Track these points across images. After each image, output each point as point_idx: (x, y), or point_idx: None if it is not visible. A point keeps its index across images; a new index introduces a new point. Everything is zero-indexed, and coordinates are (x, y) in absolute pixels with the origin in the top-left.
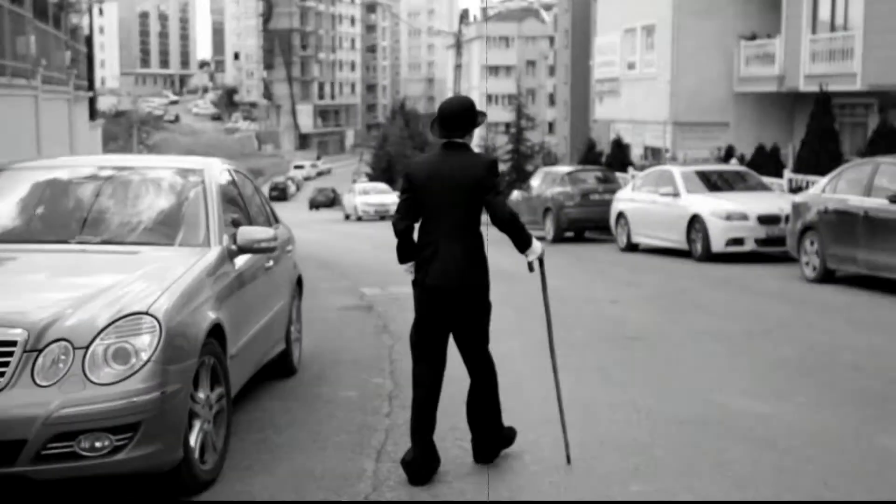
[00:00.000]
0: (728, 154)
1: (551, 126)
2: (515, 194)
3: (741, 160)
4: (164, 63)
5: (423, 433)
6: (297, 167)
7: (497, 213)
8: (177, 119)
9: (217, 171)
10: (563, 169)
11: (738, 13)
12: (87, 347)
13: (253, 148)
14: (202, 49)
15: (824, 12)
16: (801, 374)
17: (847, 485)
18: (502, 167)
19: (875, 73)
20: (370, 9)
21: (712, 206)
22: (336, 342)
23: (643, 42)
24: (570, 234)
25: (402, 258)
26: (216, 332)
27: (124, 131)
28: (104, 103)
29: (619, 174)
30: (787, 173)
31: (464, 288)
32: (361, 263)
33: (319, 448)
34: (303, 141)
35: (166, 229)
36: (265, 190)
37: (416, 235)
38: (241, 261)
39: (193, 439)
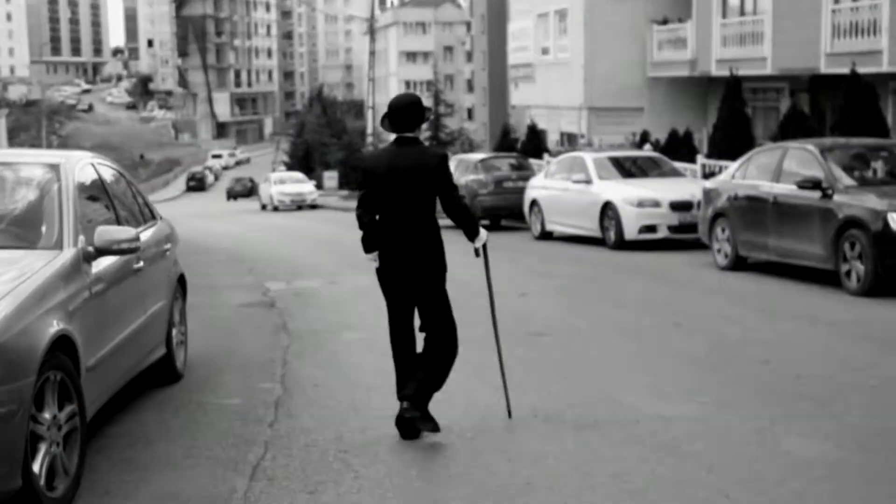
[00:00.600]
0: (643, 139)
1: (470, 112)
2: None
3: (655, 145)
4: (76, 51)
5: (411, 399)
6: (214, 156)
7: (450, 204)
8: (90, 108)
9: (77, 166)
10: (477, 156)
11: None
12: None
13: (169, 137)
14: (115, 36)
15: None
16: (709, 369)
17: (749, 497)
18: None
19: (785, 57)
20: None
21: (624, 193)
22: (230, 343)
23: (556, 27)
24: (485, 222)
25: (368, 248)
26: (63, 343)
27: (35, 121)
28: (14, 93)
29: (534, 161)
30: (701, 158)
31: (426, 272)
32: (271, 257)
33: (191, 465)
34: (220, 129)
35: (14, 229)
36: (181, 180)
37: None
38: (102, 263)
39: (38, 465)
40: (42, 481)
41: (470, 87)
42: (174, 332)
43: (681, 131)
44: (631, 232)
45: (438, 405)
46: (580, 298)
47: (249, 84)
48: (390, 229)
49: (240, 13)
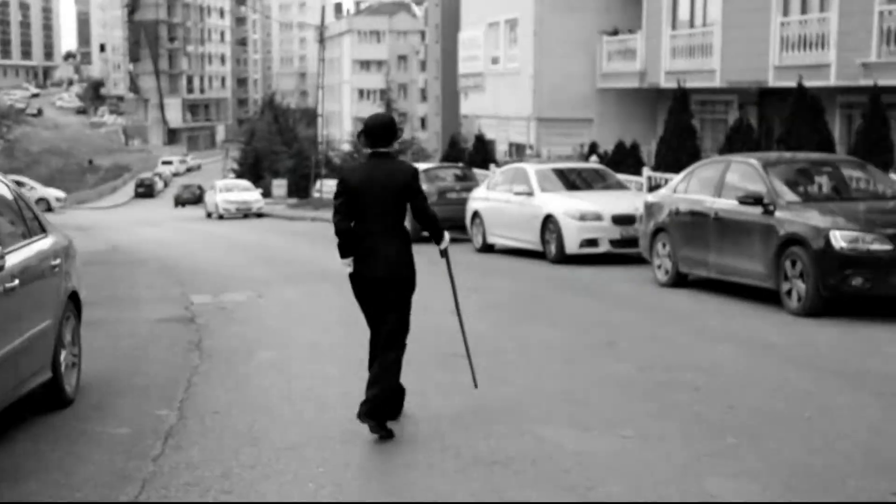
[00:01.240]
0: (591, 151)
1: (423, 122)
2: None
3: (602, 157)
4: (27, 54)
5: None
6: (164, 163)
7: (421, 212)
8: (39, 112)
9: None
10: (420, 166)
11: (600, 8)
12: None
13: (120, 143)
14: (67, 40)
15: (684, 8)
16: (637, 396)
17: None
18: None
19: (733, 70)
20: (240, 1)
21: (566, 206)
22: (136, 362)
23: (506, 36)
24: (427, 233)
25: (344, 254)
26: None
27: None
28: None
29: (481, 172)
30: (647, 171)
31: (398, 278)
32: (204, 267)
33: None
34: (172, 136)
35: None
36: (130, 186)
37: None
38: None
39: None
40: None
41: (423, 96)
42: (63, 354)
43: (630, 143)
44: (572, 246)
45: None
46: (513, 316)
47: (202, 90)
48: (365, 235)
49: (193, 19)
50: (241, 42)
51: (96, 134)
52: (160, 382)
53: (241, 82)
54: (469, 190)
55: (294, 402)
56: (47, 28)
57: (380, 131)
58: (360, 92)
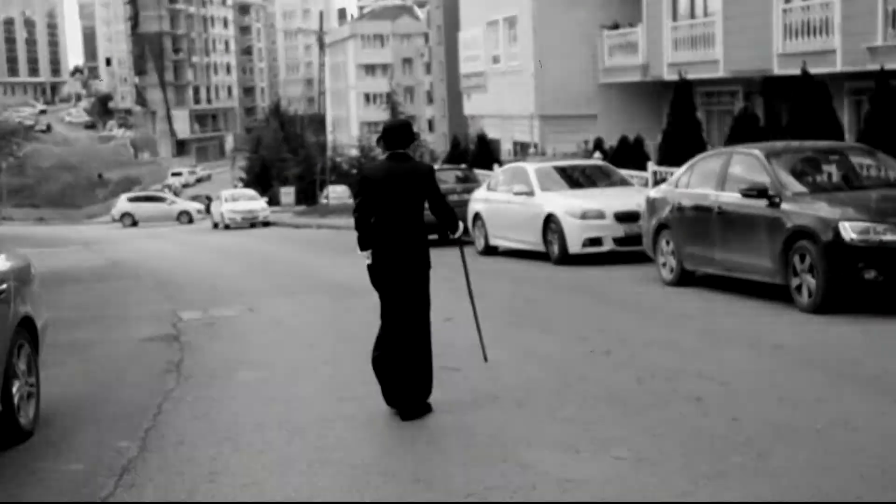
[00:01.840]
0: (596, 147)
1: (431, 124)
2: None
3: (606, 154)
4: (34, 71)
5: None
6: (174, 174)
7: (438, 206)
8: (48, 129)
9: None
10: None
11: (599, 2)
12: None
13: (129, 156)
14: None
15: None
16: (634, 410)
17: None
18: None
19: (737, 60)
20: (243, 10)
21: (567, 205)
22: (109, 387)
23: (506, 34)
24: (432, 237)
25: (364, 246)
26: None
27: None
28: None
29: (485, 172)
30: (651, 166)
31: (414, 268)
32: (200, 281)
33: None
34: (180, 147)
35: None
36: None
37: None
38: None
39: None
40: None
41: (430, 98)
42: (16, 385)
43: (633, 138)
44: (575, 245)
45: None
46: (508, 324)
47: (209, 101)
48: (385, 229)
49: (197, 30)
50: (246, 51)
51: (105, 148)
52: (129, 410)
53: (248, 91)
54: (471, 191)
55: (265, 431)
56: (53, 44)
57: (397, 134)
58: (367, 96)
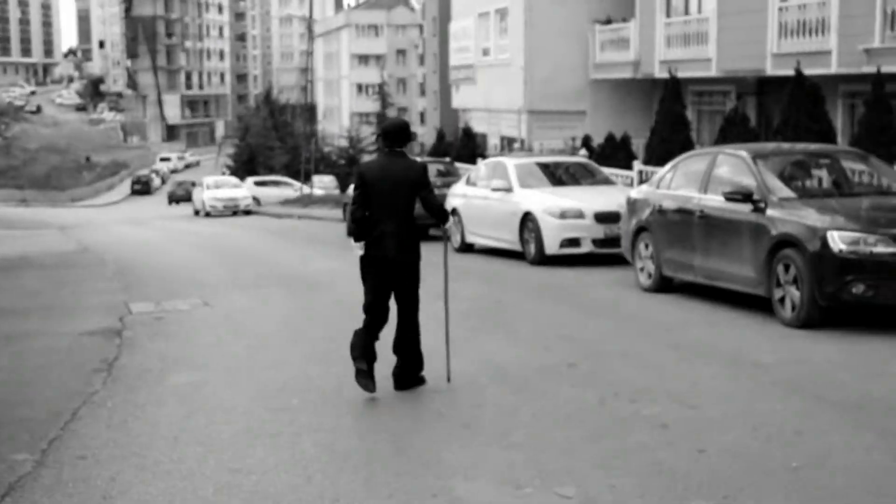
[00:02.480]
0: (584, 144)
1: (423, 116)
2: (352, 189)
3: (592, 151)
4: (27, 51)
5: (366, 357)
6: (163, 159)
7: (429, 202)
8: (38, 110)
9: None
10: None
11: None
12: None
13: (118, 139)
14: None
15: None
16: (591, 436)
17: None
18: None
19: (730, 58)
20: None
21: (546, 203)
22: (27, 389)
23: (497, 26)
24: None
25: (357, 238)
26: None
27: None
28: None
29: (467, 166)
30: (638, 165)
31: (405, 259)
32: (163, 270)
33: None
34: (170, 132)
35: None
36: (127, 183)
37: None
38: None
39: None
40: None
41: (423, 90)
42: None
43: (626, 135)
44: (552, 246)
45: None
46: (472, 330)
47: (201, 86)
48: (378, 221)
49: (191, 14)
50: (241, 38)
51: (95, 131)
52: (41, 416)
53: (241, 78)
54: (451, 185)
55: (179, 445)
56: (47, 25)
57: (395, 134)
58: (359, 87)
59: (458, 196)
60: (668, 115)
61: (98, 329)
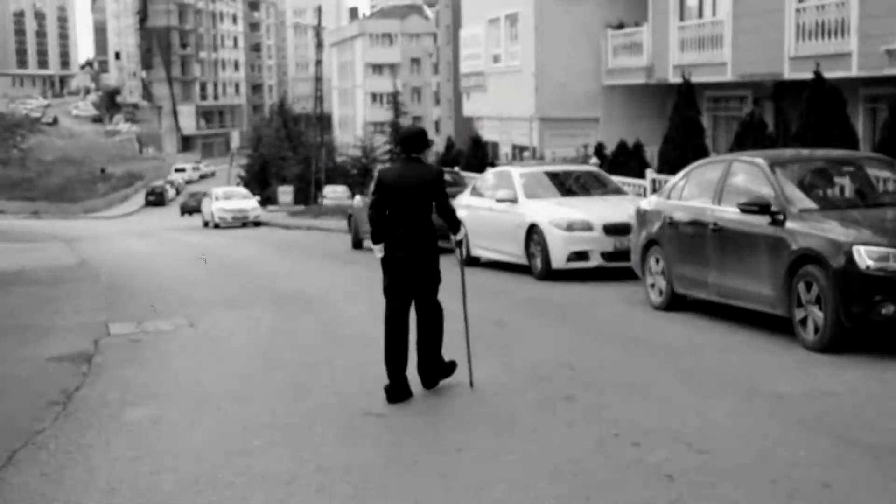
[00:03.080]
0: (597, 152)
1: (437, 125)
2: (357, 200)
3: (604, 160)
4: (43, 63)
5: (397, 368)
6: (177, 170)
7: (443, 208)
8: (55, 121)
9: None
10: None
11: (604, 0)
12: None
13: (133, 151)
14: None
15: None
16: (580, 493)
17: None
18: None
19: (746, 62)
20: (253, 6)
21: (552, 215)
22: None
23: (507, 33)
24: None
25: (377, 240)
26: None
27: None
28: None
29: (474, 176)
30: (650, 173)
31: (424, 260)
32: (155, 286)
33: None
34: (186, 143)
35: None
36: (142, 195)
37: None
38: None
39: None
40: None
41: (437, 99)
42: None
43: (639, 143)
44: (559, 260)
45: None
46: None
47: (216, 97)
48: (397, 226)
49: (205, 25)
50: (255, 48)
51: (110, 142)
52: None
53: (256, 88)
54: (456, 196)
55: (115, 498)
56: (63, 37)
57: (413, 140)
58: (373, 96)
59: (462, 207)
60: (682, 122)
61: (67, 354)
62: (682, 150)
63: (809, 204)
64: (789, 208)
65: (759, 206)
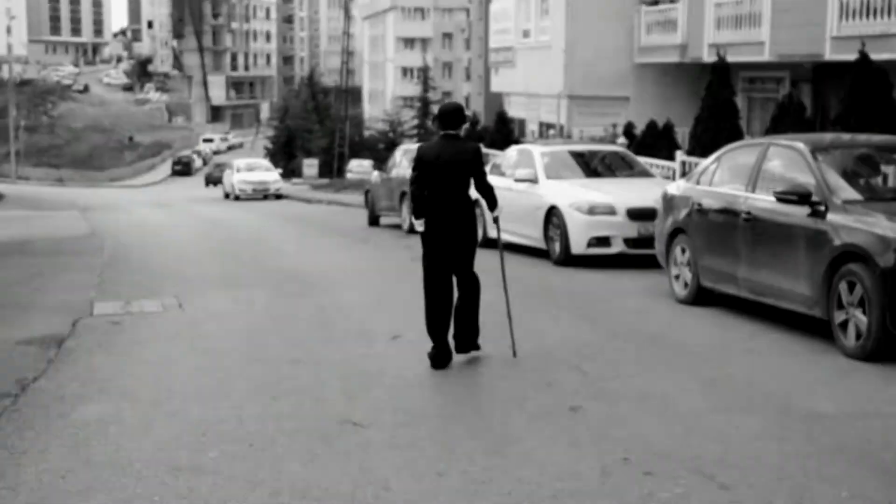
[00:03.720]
0: (626, 132)
1: (468, 100)
2: (375, 175)
3: (632, 140)
4: (76, 31)
5: (441, 334)
6: (205, 140)
7: (481, 184)
8: (86, 89)
9: None
10: None
11: None
12: None
13: (163, 120)
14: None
15: None
16: None
17: None
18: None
19: (784, 42)
20: None
21: (573, 197)
22: None
23: (538, 7)
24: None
25: (418, 215)
26: None
27: (27, 101)
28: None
29: (497, 153)
30: (680, 155)
31: (462, 231)
32: (158, 261)
33: None
34: (215, 113)
35: None
36: (168, 164)
37: None
38: None
39: None
40: None
41: (468, 74)
42: None
43: (670, 123)
44: (579, 245)
45: None
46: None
47: (247, 68)
48: (436, 201)
49: None
50: (288, 20)
51: (140, 111)
52: None
53: (287, 60)
54: None
55: None
56: (97, 5)
57: (449, 117)
58: (404, 70)
59: None
60: (716, 102)
61: (40, 336)
62: (714, 132)
63: (854, 194)
64: (832, 198)
65: (797, 195)
